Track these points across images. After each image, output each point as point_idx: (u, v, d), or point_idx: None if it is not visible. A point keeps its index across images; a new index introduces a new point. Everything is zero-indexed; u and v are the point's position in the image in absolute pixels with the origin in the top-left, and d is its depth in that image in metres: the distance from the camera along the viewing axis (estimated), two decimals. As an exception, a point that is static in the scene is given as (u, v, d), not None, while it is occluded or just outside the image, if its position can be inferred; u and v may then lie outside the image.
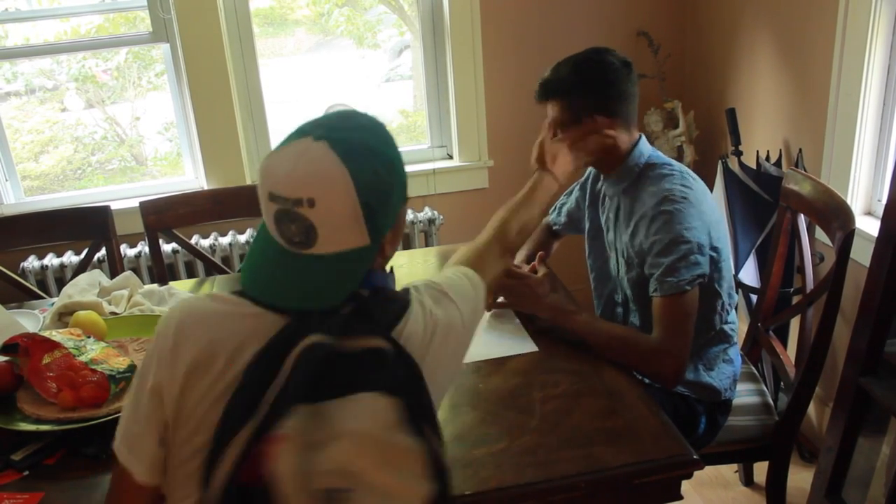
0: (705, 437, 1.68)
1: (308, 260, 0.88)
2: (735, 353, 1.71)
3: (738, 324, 1.73)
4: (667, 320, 1.48)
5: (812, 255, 1.85)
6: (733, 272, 2.33)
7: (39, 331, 1.57)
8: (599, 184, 1.76)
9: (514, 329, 1.64)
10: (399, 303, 0.95)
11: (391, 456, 0.81)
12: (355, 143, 0.89)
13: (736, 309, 1.73)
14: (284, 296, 0.89)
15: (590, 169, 1.81)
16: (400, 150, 0.96)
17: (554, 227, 2.01)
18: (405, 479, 0.81)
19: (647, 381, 1.54)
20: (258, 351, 0.86)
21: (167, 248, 2.64)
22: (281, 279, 0.90)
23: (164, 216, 2.22)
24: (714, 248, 1.53)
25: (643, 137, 1.64)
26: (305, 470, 0.79)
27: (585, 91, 1.54)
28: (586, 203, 1.83)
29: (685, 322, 1.47)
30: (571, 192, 1.94)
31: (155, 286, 1.97)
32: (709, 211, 1.54)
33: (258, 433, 0.82)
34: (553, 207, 2.01)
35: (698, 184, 1.57)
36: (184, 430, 0.90)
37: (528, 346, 1.56)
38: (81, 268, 2.23)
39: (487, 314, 1.72)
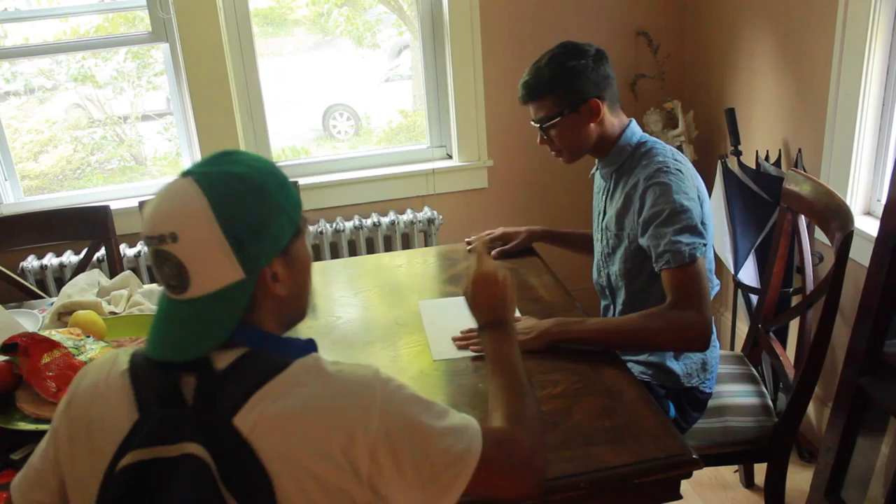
0: (680, 426, 1.67)
1: (186, 304, 0.84)
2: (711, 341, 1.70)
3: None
4: (682, 289, 1.47)
5: (812, 255, 1.85)
6: (732, 268, 2.34)
7: (39, 330, 1.57)
8: (595, 171, 1.79)
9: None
10: (266, 368, 0.83)
11: None
12: (221, 174, 0.85)
13: (734, 310, 1.73)
14: (160, 348, 0.85)
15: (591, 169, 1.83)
16: (287, 181, 0.89)
17: (553, 231, 2.04)
18: None
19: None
20: (107, 465, 0.83)
21: (166, 247, 2.64)
22: (164, 329, 0.86)
23: (164, 216, 2.21)
24: (703, 224, 1.55)
25: (633, 122, 1.69)
26: None
27: (572, 81, 1.58)
28: (594, 194, 1.85)
29: (700, 285, 1.48)
30: None
31: (154, 286, 1.97)
32: (700, 186, 1.58)
33: None
34: None
35: (687, 161, 1.62)
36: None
37: None
38: (81, 267, 2.23)
39: None
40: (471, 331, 1.56)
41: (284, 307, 0.91)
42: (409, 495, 0.84)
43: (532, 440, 0.99)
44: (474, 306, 1.23)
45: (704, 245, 1.51)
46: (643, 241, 1.56)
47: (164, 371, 0.84)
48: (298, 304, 0.95)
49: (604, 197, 1.74)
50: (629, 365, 1.64)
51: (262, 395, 0.81)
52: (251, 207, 0.84)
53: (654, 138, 1.68)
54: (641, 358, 1.68)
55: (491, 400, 1.10)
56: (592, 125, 1.62)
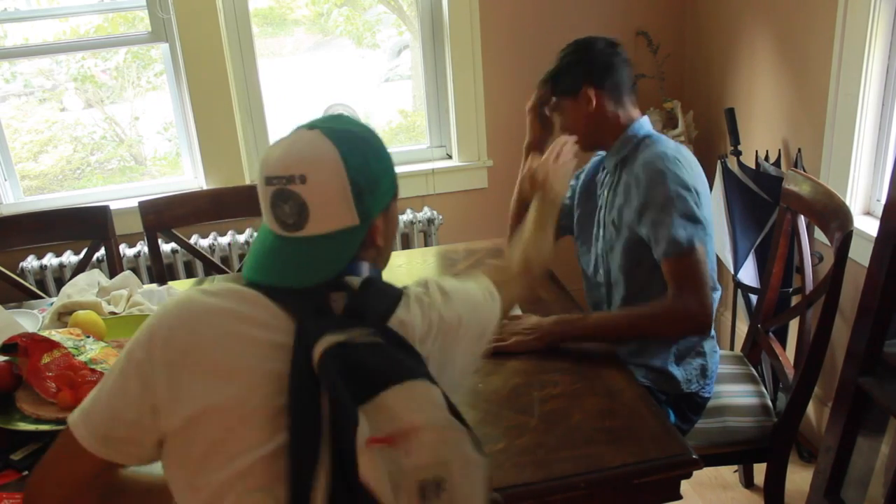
0: (680, 429, 1.66)
1: (301, 241, 0.93)
2: (711, 347, 1.71)
3: (715, 314, 1.74)
4: (682, 278, 1.49)
5: (811, 255, 1.85)
6: (732, 268, 2.34)
7: (38, 330, 1.57)
8: (598, 174, 1.79)
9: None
10: (390, 295, 0.96)
11: (456, 441, 0.84)
12: (346, 131, 0.95)
13: (734, 310, 1.73)
14: (278, 276, 0.92)
15: (584, 167, 1.83)
16: (392, 155, 1.01)
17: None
18: (471, 460, 0.85)
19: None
20: (290, 374, 0.86)
21: (166, 247, 2.64)
22: (275, 262, 0.93)
23: (164, 216, 2.22)
24: (703, 216, 1.54)
25: (646, 118, 1.69)
26: (397, 471, 0.80)
27: (570, 68, 1.64)
28: (577, 200, 1.84)
29: (701, 275, 1.49)
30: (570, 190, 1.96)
31: (154, 286, 1.97)
32: (698, 176, 1.58)
33: (340, 456, 0.82)
34: None
35: (690, 155, 1.62)
36: (178, 420, 0.87)
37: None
38: (80, 268, 2.23)
39: None
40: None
41: (379, 255, 1.03)
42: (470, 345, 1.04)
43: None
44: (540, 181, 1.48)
45: (704, 233, 1.51)
46: (641, 231, 1.56)
47: (305, 290, 0.92)
48: (388, 253, 1.08)
49: (607, 191, 1.72)
50: (631, 368, 1.65)
51: (399, 310, 0.94)
52: (372, 163, 0.95)
53: (662, 135, 1.67)
54: (641, 362, 1.68)
55: (521, 232, 1.38)
56: (589, 112, 1.63)
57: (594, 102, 1.62)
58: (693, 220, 1.50)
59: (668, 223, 1.49)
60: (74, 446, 0.90)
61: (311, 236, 0.92)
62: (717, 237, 2.38)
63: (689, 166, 1.57)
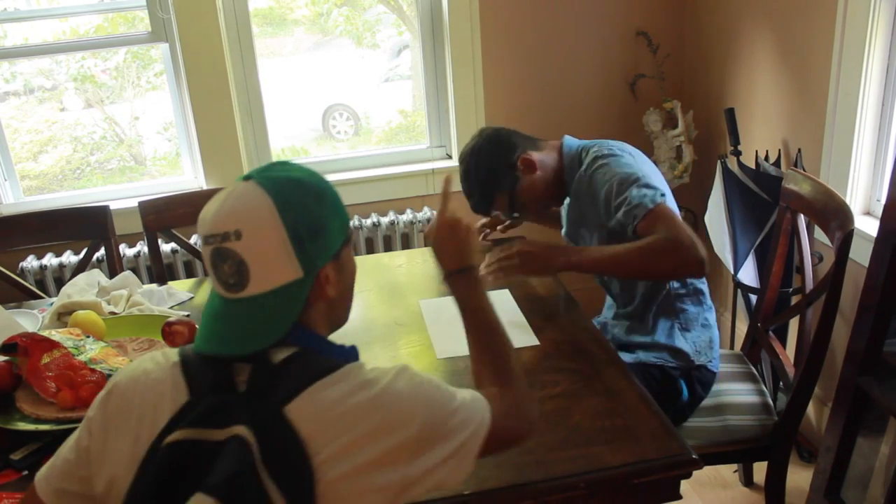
0: (690, 405, 1.71)
1: (244, 302, 0.87)
2: (713, 319, 1.76)
3: (708, 288, 1.78)
4: (660, 226, 1.51)
5: (811, 254, 1.85)
6: (731, 268, 2.34)
7: (38, 330, 1.57)
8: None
9: (516, 321, 1.64)
10: (320, 367, 0.87)
11: None
12: (282, 178, 0.90)
13: (734, 309, 1.74)
14: (219, 343, 0.88)
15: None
16: (338, 193, 0.95)
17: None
18: None
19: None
20: (152, 441, 0.85)
21: (166, 247, 2.64)
22: (220, 327, 0.89)
23: (163, 216, 2.22)
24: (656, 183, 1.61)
25: (566, 137, 1.79)
26: None
27: (494, 175, 1.73)
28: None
29: (676, 221, 1.52)
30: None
31: (154, 286, 1.97)
32: (640, 158, 1.67)
33: None
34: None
35: (626, 146, 1.70)
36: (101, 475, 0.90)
37: (529, 340, 1.56)
38: (80, 268, 2.23)
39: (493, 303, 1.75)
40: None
41: (333, 310, 0.97)
42: (434, 471, 0.89)
43: (522, 395, 1.06)
44: (440, 253, 1.21)
45: (663, 195, 1.55)
46: (612, 222, 1.60)
47: (216, 361, 0.87)
48: (344, 306, 1.01)
49: (572, 213, 1.81)
50: (640, 354, 1.69)
51: (314, 390, 0.84)
52: (311, 209, 0.89)
53: (588, 140, 1.76)
54: (649, 340, 1.70)
55: (473, 358, 1.13)
56: (538, 173, 1.73)
57: (533, 160, 1.72)
58: (648, 186, 1.55)
59: (627, 195, 1.55)
60: (36, 501, 0.93)
61: (253, 296, 0.86)
62: (716, 237, 2.38)
63: (626, 152, 1.66)
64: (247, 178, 0.90)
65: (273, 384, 0.85)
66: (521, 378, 1.08)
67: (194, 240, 2.68)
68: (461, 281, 1.17)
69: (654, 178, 1.60)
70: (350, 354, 0.94)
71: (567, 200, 1.84)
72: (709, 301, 1.76)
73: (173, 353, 0.92)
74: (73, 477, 0.91)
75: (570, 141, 1.78)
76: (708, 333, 1.73)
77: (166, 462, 0.82)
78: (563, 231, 1.90)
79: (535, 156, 1.74)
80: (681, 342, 1.69)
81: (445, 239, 1.21)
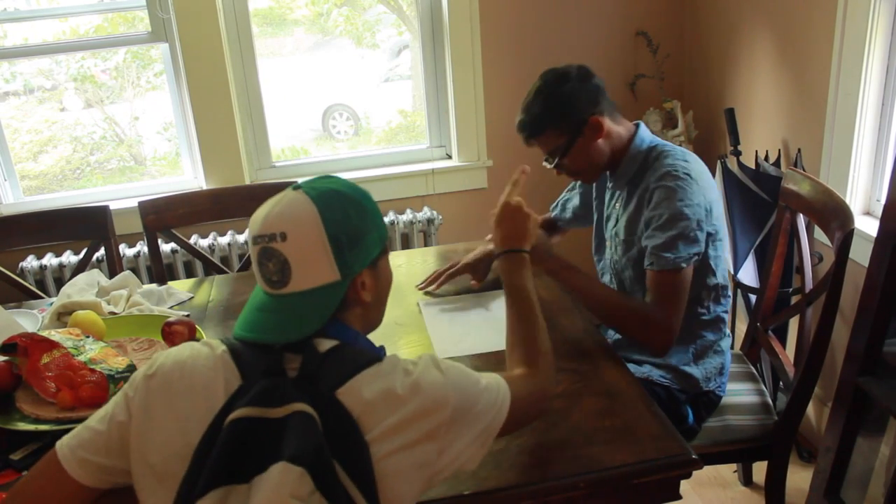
0: (693, 430, 1.68)
1: (285, 298, 0.96)
2: (727, 345, 1.72)
3: (729, 315, 1.74)
4: (660, 294, 1.50)
5: (811, 254, 1.85)
6: (731, 268, 2.34)
7: (38, 330, 1.57)
8: (609, 182, 1.76)
9: None
10: (357, 363, 0.94)
11: None
12: (327, 189, 0.99)
13: (734, 309, 1.74)
14: (261, 331, 0.96)
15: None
16: (378, 207, 1.04)
17: (558, 224, 2.02)
18: None
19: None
20: (210, 422, 0.91)
21: (166, 247, 2.64)
22: (260, 318, 0.98)
23: (163, 216, 2.22)
24: (712, 226, 1.55)
25: (642, 125, 1.67)
26: None
27: (566, 108, 1.57)
28: (593, 197, 1.84)
29: (678, 297, 1.50)
30: (574, 187, 1.96)
31: (154, 286, 1.97)
32: (709, 188, 1.56)
33: None
34: (555, 204, 2.03)
35: (699, 164, 1.59)
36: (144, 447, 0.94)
37: None
38: (80, 268, 2.23)
39: (492, 303, 1.75)
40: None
41: (368, 313, 1.05)
42: (463, 452, 0.97)
43: (548, 376, 1.16)
44: (497, 232, 1.35)
45: (697, 255, 1.51)
46: (644, 242, 1.56)
47: (267, 349, 0.95)
48: (379, 310, 1.09)
49: (616, 204, 1.71)
50: (649, 369, 1.66)
51: (361, 378, 0.92)
52: (352, 219, 0.98)
53: (665, 141, 1.66)
54: (661, 362, 1.67)
55: (508, 333, 1.23)
56: (601, 141, 1.60)
57: (601, 131, 1.58)
58: (688, 241, 1.49)
59: (664, 239, 1.49)
60: (54, 466, 0.96)
61: (294, 293, 0.96)
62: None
63: (698, 177, 1.54)
64: (296, 187, 0.99)
65: (322, 371, 0.92)
66: (547, 358, 1.18)
67: (194, 240, 2.68)
68: (511, 260, 1.31)
69: (706, 220, 1.52)
70: (381, 352, 1.02)
71: (602, 185, 1.78)
72: (727, 329, 1.72)
73: (218, 343, 0.99)
74: (101, 448, 0.96)
75: (644, 133, 1.64)
76: (720, 359, 1.69)
77: (232, 437, 0.88)
78: (594, 220, 1.84)
79: (609, 125, 1.60)
80: (692, 368, 1.66)
81: (505, 219, 1.35)
